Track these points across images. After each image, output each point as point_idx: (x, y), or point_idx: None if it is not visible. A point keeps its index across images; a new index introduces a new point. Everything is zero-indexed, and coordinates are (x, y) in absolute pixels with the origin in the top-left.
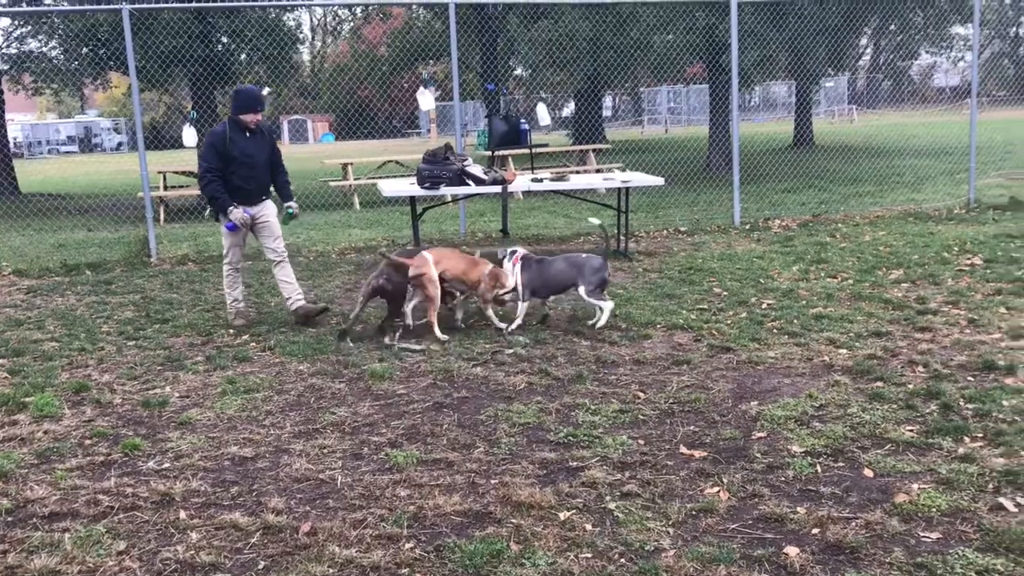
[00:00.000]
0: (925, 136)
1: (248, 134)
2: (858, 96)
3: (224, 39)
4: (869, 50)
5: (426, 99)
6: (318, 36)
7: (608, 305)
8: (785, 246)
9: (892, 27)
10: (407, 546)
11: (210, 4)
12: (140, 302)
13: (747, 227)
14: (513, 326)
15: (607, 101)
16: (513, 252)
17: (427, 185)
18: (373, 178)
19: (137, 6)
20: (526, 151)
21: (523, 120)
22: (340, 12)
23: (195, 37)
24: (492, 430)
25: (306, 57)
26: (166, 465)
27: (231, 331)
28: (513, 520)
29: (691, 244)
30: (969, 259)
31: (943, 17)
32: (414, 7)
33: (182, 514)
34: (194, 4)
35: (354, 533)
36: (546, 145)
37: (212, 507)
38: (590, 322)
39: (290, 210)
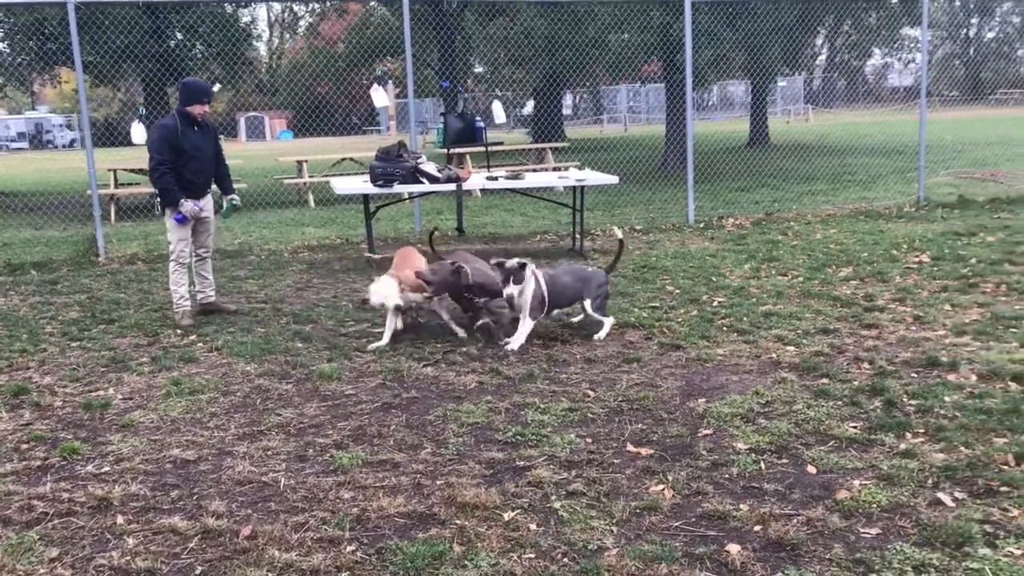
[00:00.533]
0: (878, 135)
1: (196, 127)
2: (814, 95)
3: (178, 35)
4: (825, 50)
5: (380, 96)
6: (275, 32)
7: (610, 320)
8: (738, 244)
9: (846, 27)
10: (348, 549)
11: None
12: (86, 302)
13: (701, 225)
14: (516, 344)
15: (567, 99)
16: (524, 264)
17: (380, 183)
18: (328, 176)
19: (83, 0)
20: (482, 149)
21: (479, 118)
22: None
23: (147, 33)
24: (440, 430)
25: (263, 53)
26: (105, 469)
27: (178, 331)
28: (457, 521)
29: (646, 242)
30: (917, 257)
31: (895, 18)
32: (370, 4)
33: (119, 519)
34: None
35: (295, 536)
36: (502, 143)
37: (151, 511)
38: (595, 336)
39: (234, 202)
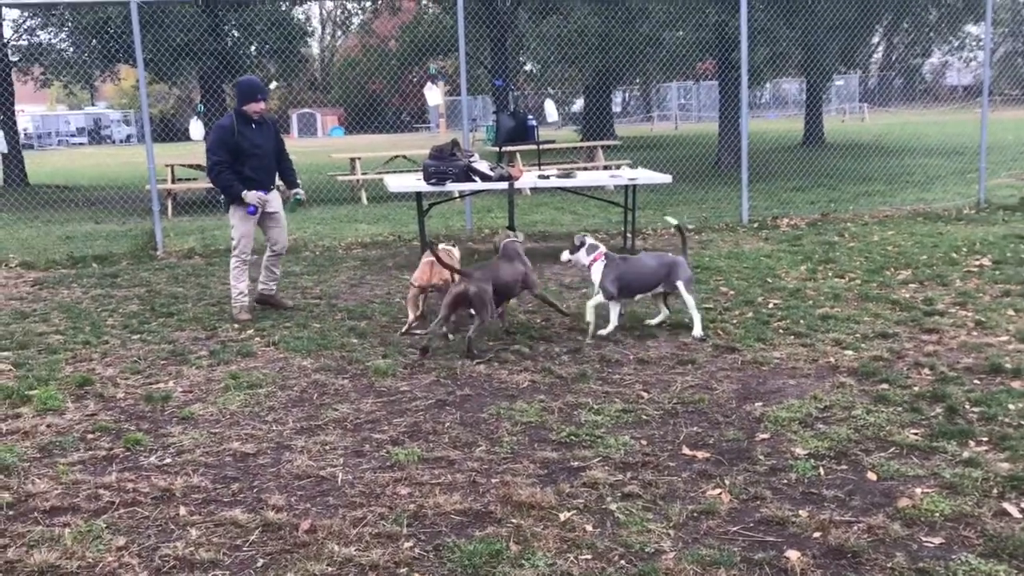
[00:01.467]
0: (936, 135)
1: (254, 125)
2: (870, 94)
3: (235, 32)
4: (881, 47)
5: (433, 94)
6: (328, 29)
7: (699, 314)
8: (793, 245)
9: (905, 25)
10: (406, 545)
11: None
12: (145, 295)
13: (755, 225)
14: (609, 329)
15: (617, 97)
16: (590, 245)
17: (433, 181)
18: (381, 173)
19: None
20: (533, 147)
21: (531, 116)
22: (349, 5)
23: (205, 31)
24: (494, 428)
25: (316, 50)
26: (167, 460)
27: (235, 326)
28: (513, 520)
29: (698, 242)
30: (978, 260)
31: (956, 15)
32: (424, 2)
33: (182, 510)
34: None
35: (354, 531)
36: (553, 141)
37: (212, 503)
38: (692, 334)
39: (298, 196)
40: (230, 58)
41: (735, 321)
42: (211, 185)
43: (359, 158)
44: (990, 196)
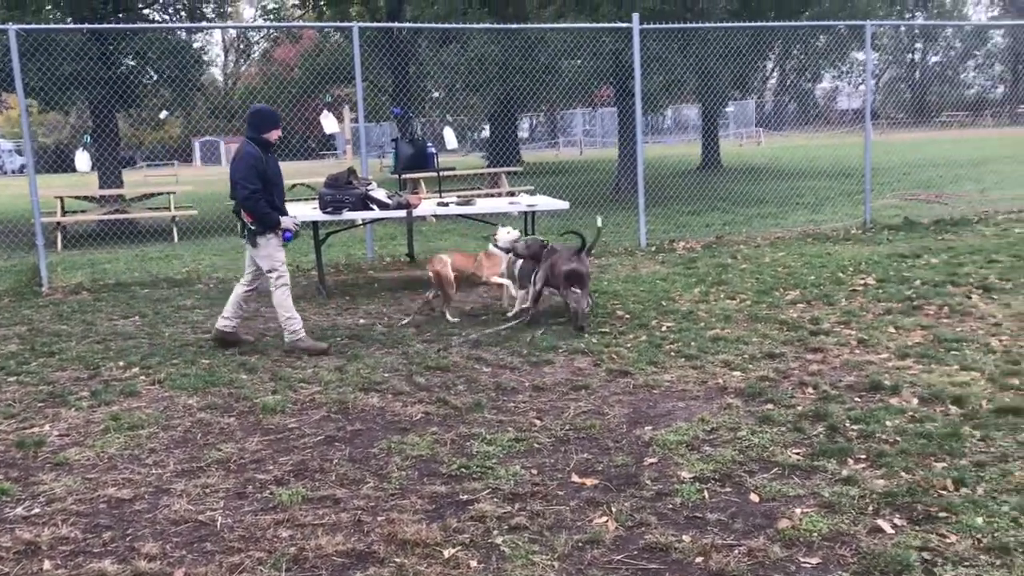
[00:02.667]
0: (827, 158)
1: (269, 153)
2: (766, 119)
3: (129, 61)
4: (776, 74)
5: (329, 122)
6: (231, 56)
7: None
8: (688, 268)
9: (795, 51)
10: None
11: (106, 26)
12: (26, 334)
13: (653, 249)
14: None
15: (524, 123)
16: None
17: (329, 210)
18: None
19: (25, 27)
20: (434, 174)
21: (430, 143)
22: (249, 34)
23: (95, 59)
24: (384, 464)
25: (219, 77)
26: (36, 511)
27: (120, 364)
28: (396, 559)
29: (598, 267)
30: (863, 279)
31: (843, 42)
32: (325, 31)
33: (47, 564)
34: (87, 26)
35: None
36: (453, 169)
37: (81, 555)
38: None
39: (297, 226)
40: (124, 86)
41: (629, 345)
42: (103, 217)
43: None
44: (876, 216)
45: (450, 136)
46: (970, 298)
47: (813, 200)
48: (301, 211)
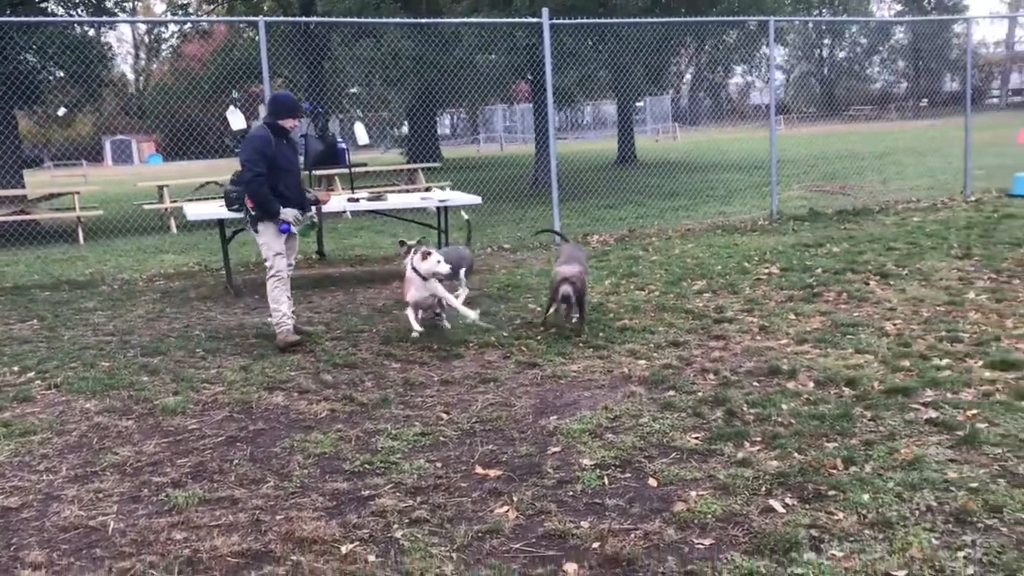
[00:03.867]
0: (739, 151)
1: (285, 140)
2: (681, 114)
3: (29, 57)
4: (691, 69)
5: (236, 118)
6: (142, 52)
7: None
8: (600, 260)
9: (707, 46)
10: None
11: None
12: None
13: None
14: None
15: (445, 120)
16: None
17: (235, 207)
18: (191, 199)
19: None
20: (346, 171)
21: (341, 139)
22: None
23: None
24: (285, 463)
25: (129, 74)
26: None
27: (14, 369)
28: (293, 557)
29: (512, 261)
30: (767, 268)
31: (752, 38)
32: (237, 25)
33: None
34: None
35: None
36: (365, 164)
37: None
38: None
39: (312, 219)
40: (24, 83)
41: (539, 337)
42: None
43: (167, 185)
44: (783, 207)
45: (361, 132)
46: (868, 284)
47: (724, 192)
48: (206, 209)
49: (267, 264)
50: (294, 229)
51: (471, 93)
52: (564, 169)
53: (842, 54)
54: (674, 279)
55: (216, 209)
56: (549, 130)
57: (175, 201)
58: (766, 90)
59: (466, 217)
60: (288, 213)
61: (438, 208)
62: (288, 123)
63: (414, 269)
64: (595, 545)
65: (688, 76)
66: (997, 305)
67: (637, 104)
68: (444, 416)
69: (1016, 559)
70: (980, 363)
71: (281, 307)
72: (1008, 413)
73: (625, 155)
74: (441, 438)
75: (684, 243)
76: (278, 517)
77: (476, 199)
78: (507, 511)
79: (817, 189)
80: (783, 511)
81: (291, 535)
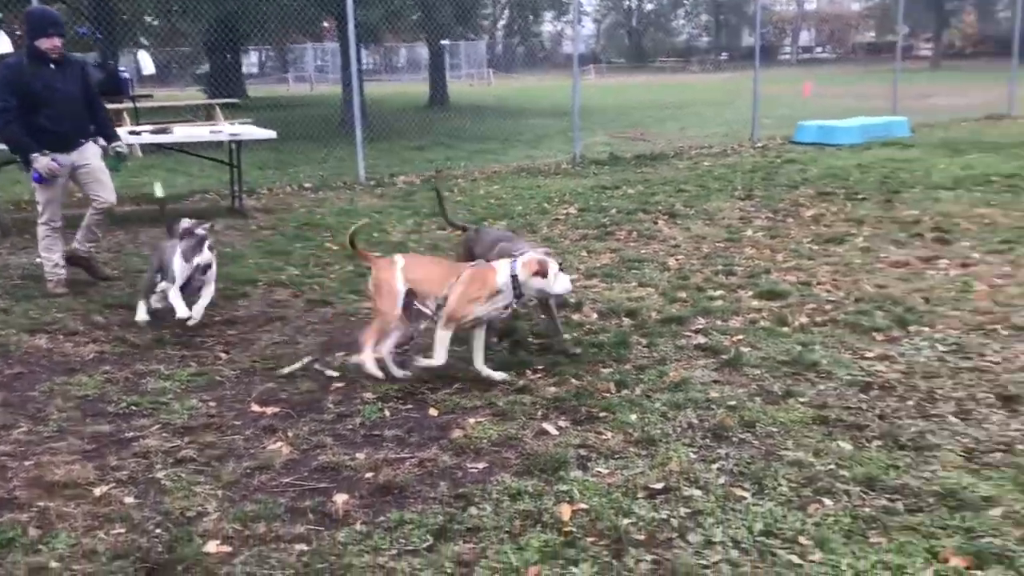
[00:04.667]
0: (550, 99)
1: (52, 65)
2: (496, 60)
3: None
4: (505, 15)
5: (2, 42)
6: None
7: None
8: (405, 201)
9: None
10: None
11: None
12: None
13: (372, 184)
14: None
15: (252, 58)
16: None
17: None
18: None
19: None
20: (130, 104)
21: (123, 68)
22: None
23: None
24: (42, 407)
25: None
26: None
27: None
28: (40, 503)
29: (313, 200)
30: (566, 209)
31: None
32: None
33: None
34: None
35: None
36: (151, 96)
37: None
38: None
39: (119, 148)
40: None
41: (333, 275)
42: None
43: None
44: (586, 152)
45: (145, 60)
46: (656, 223)
47: (532, 137)
48: None
49: (39, 209)
50: (53, 179)
51: (273, 27)
52: (374, 110)
53: (650, 6)
54: (475, 219)
55: None
56: (352, 67)
57: None
58: (578, 40)
59: (160, 195)
60: (40, 161)
61: (231, 144)
62: (44, 44)
63: (514, 284)
64: (368, 475)
65: (503, 23)
66: (771, 241)
67: (449, 45)
68: (223, 356)
69: (763, 468)
70: (750, 293)
71: (52, 256)
72: (770, 338)
73: (437, 97)
74: (217, 378)
75: (489, 185)
76: (28, 463)
77: (271, 133)
78: (280, 447)
79: (620, 136)
80: (556, 433)
81: (39, 480)
